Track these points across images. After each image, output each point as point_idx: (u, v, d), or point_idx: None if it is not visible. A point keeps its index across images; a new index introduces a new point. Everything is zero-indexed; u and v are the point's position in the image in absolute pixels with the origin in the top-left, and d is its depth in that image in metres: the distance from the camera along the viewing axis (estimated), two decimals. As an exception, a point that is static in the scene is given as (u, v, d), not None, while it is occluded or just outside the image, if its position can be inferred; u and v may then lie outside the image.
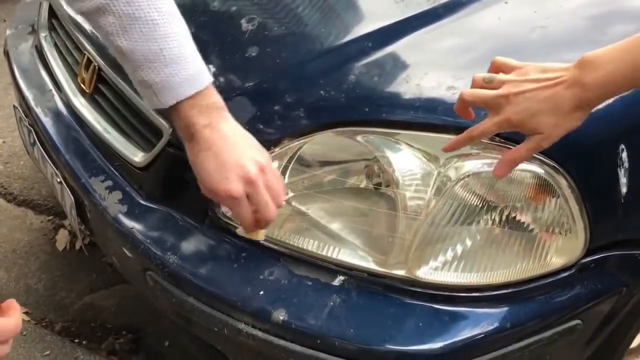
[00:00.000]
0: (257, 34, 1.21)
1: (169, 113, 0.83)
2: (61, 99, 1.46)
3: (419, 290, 1.01)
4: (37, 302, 1.75)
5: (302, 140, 1.04)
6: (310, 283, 1.02)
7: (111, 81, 1.29)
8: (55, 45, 1.59)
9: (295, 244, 1.05)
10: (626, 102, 0.96)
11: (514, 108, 0.77)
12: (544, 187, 0.97)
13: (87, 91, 1.38)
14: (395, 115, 1.02)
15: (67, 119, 1.41)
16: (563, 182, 0.97)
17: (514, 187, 0.98)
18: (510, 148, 0.91)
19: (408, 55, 1.11)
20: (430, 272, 1.00)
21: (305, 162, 1.06)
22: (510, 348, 1.01)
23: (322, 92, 1.06)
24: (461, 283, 1.00)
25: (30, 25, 1.80)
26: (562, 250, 1.01)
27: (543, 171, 0.96)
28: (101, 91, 1.35)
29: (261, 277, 1.03)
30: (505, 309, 1.01)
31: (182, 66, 0.79)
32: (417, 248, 0.99)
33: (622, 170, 1.00)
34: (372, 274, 1.02)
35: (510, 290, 1.02)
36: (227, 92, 1.11)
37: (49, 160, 1.42)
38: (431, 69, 1.07)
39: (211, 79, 0.82)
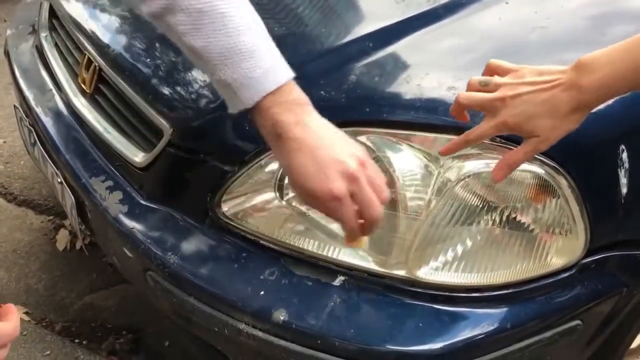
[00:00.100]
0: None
1: (252, 115, 0.77)
2: (62, 99, 1.46)
3: (419, 290, 1.01)
4: (38, 302, 1.75)
5: (303, 141, 1.04)
6: (310, 283, 1.02)
7: (111, 81, 1.30)
8: (56, 45, 1.60)
9: (296, 244, 1.05)
10: (626, 103, 0.96)
11: (511, 111, 0.77)
12: (544, 188, 0.98)
13: (88, 91, 1.38)
14: (395, 116, 1.02)
15: (67, 119, 1.41)
16: (563, 183, 0.97)
17: (514, 187, 0.98)
18: (510, 148, 0.91)
19: (409, 56, 1.11)
20: (431, 272, 1.00)
21: (306, 162, 1.06)
22: (510, 348, 1.01)
23: (322, 92, 1.05)
24: (461, 283, 1.00)
25: (30, 25, 1.80)
26: (562, 250, 1.01)
27: (543, 171, 0.97)
28: (101, 91, 1.35)
29: (261, 277, 1.03)
30: (506, 309, 1.01)
31: (259, 60, 0.73)
32: (418, 248, 0.99)
33: (623, 170, 1.00)
34: (372, 274, 1.02)
35: (510, 291, 1.02)
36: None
37: (50, 160, 1.42)
38: (432, 69, 1.07)
39: (292, 73, 0.76)
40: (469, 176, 0.97)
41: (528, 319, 1.01)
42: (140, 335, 1.65)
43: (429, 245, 0.99)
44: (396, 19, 1.16)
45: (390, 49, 1.11)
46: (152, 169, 1.19)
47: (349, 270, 1.03)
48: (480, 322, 0.99)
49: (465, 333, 0.98)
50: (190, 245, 1.10)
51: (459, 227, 0.99)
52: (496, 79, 0.81)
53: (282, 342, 0.99)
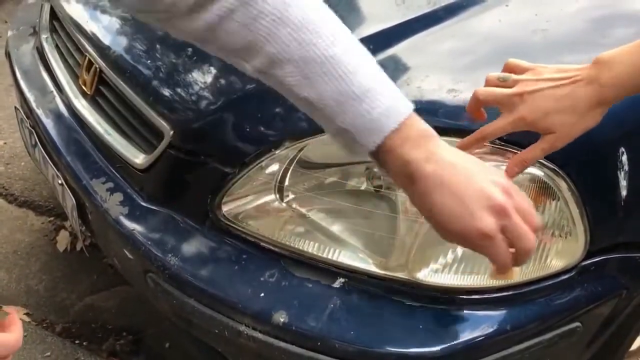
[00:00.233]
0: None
1: (377, 158, 0.69)
2: (62, 100, 1.47)
3: (419, 292, 1.01)
4: (38, 303, 1.75)
5: (303, 142, 1.04)
6: (310, 285, 1.03)
7: (112, 83, 1.30)
8: (57, 46, 1.60)
9: (296, 246, 1.05)
10: (626, 104, 0.95)
11: (529, 106, 0.75)
12: (544, 190, 0.98)
13: (88, 93, 1.38)
14: (396, 118, 1.02)
15: (68, 120, 1.41)
16: (563, 185, 0.97)
17: (514, 189, 0.98)
18: (513, 152, 0.91)
19: (409, 58, 1.11)
20: (431, 274, 1.00)
21: (306, 164, 1.06)
22: (510, 350, 1.01)
23: (323, 94, 1.05)
24: (461, 285, 1.00)
25: (31, 27, 1.80)
26: (562, 252, 1.02)
27: (543, 174, 0.97)
28: (102, 93, 1.35)
29: (262, 279, 1.04)
30: (505, 311, 1.01)
31: (376, 98, 0.66)
32: (418, 250, 0.99)
33: (622, 173, 1.00)
34: (372, 276, 1.02)
35: (510, 293, 1.02)
36: (228, 93, 1.12)
37: (50, 162, 1.42)
38: (432, 71, 1.07)
39: (411, 104, 0.68)
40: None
41: (528, 320, 1.01)
42: (141, 336, 1.65)
43: (429, 247, 0.99)
44: (396, 21, 1.16)
45: (390, 51, 1.11)
46: (153, 171, 1.19)
47: (349, 272, 1.03)
48: (480, 324, 0.99)
49: (465, 335, 0.98)
50: (190, 247, 1.10)
51: (459, 229, 0.99)
52: (515, 75, 0.79)
53: (282, 344, 0.99)
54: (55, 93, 1.50)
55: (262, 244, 1.07)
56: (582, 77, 0.74)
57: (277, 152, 1.05)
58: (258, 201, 1.08)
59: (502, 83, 0.79)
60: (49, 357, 1.59)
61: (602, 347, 1.18)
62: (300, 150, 1.05)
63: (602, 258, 1.05)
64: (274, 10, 0.65)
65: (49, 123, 1.42)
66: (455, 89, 1.02)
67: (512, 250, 0.68)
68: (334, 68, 0.66)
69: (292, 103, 0.71)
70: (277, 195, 1.06)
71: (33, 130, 1.50)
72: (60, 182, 1.38)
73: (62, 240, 1.93)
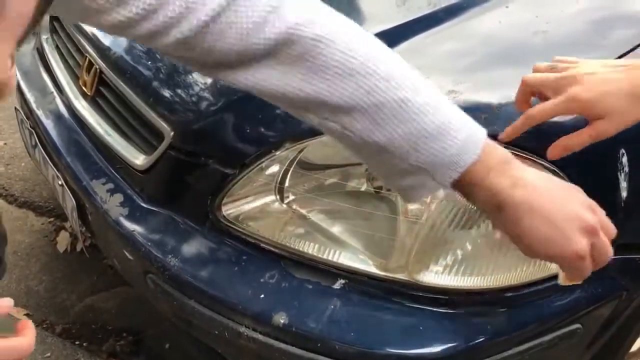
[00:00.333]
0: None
1: (460, 190, 0.68)
2: (62, 101, 1.47)
3: (419, 293, 1.01)
4: (38, 304, 1.75)
5: (304, 144, 1.04)
6: (310, 286, 1.03)
7: (112, 84, 1.30)
8: (57, 47, 1.60)
9: (296, 247, 1.05)
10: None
11: (585, 87, 0.72)
12: (544, 191, 0.97)
13: (89, 94, 1.38)
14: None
15: (68, 121, 1.42)
16: (563, 186, 0.97)
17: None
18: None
19: (409, 59, 1.09)
20: (431, 275, 1.00)
21: (307, 165, 1.06)
22: (510, 352, 1.01)
23: (323, 95, 1.05)
24: (462, 287, 1.00)
25: (31, 28, 1.80)
26: (562, 254, 1.01)
27: (543, 175, 0.96)
28: (102, 94, 1.35)
29: (262, 280, 1.04)
30: (506, 312, 1.01)
31: (451, 135, 0.64)
32: (418, 252, 0.99)
33: (622, 174, 1.00)
34: (372, 277, 1.02)
35: (510, 294, 1.02)
36: (228, 94, 1.12)
37: (51, 163, 1.42)
38: (432, 72, 1.07)
39: (484, 130, 0.66)
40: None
41: (528, 322, 1.02)
42: (141, 337, 1.65)
43: (429, 249, 1.00)
44: (396, 22, 1.16)
45: (390, 53, 1.11)
46: (153, 172, 1.19)
47: (349, 274, 1.03)
48: (480, 326, 0.99)
49: (466, 336, 0.98)
50: (190, 248, 1.10)
51: (459, 230, 0.99)
52: (564, 64, 0.78)
53: (282, 345, 0.99)
54: (55, 94, 1.50)
55: (262, 245, 1.07)
56: (638, 65, 0.73)
57: (278, 153, 1.05)
58: (258, 202, 1.08)
59: (552, 70, 0.77)
60: (49, 358, 1.59)
61: (602, 349, 1.18)
62: (300, 152, 1.05)
63: (602, 259, 1.05)
64: (339, 64, 0.64)
65: (49, 124, 1.42)
66: (456, 90, 1.02)
67: None
68: (406, 111, 0.64)
69: (354, 154, 0.70)
70: (278, 197, 1.06)
71: (33, 131, 1.50)
72: (60, 182, 1.38)
73: (62, 241, 1.93)
